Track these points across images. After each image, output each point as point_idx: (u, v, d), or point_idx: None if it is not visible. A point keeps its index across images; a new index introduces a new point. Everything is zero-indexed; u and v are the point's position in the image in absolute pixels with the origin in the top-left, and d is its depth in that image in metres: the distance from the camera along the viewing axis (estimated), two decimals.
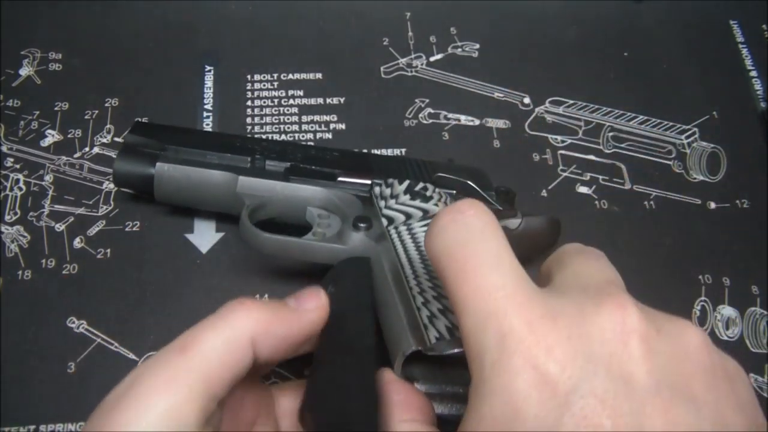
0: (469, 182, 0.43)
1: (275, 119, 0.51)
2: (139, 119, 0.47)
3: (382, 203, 0.42)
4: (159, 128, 0.45)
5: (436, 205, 0.41)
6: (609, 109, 0.54)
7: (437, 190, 0.43)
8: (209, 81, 0.52)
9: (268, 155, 0.44)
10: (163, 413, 0.26)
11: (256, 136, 0.50)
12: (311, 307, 0.33)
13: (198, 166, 0.42)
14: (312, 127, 0.51)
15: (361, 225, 0.40)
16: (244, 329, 0.29)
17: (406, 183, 0.43)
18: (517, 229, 0.43)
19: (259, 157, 0.43)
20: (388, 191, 0.42)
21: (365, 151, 0.49)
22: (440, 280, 0.27)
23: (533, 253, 0.45)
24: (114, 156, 0.49)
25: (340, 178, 0.43)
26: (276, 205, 0.43)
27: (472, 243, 0.27)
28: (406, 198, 0.41)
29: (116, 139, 0.49)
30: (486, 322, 0.24)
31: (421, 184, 0.43)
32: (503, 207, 0.46)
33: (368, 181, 0.43)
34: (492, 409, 0.23)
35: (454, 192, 0.43)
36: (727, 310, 0.47)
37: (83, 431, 0.28)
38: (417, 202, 0.41)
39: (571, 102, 0.54)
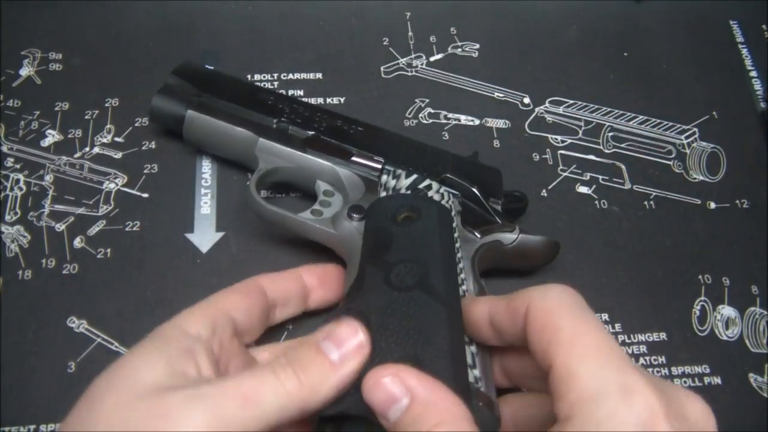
0: (474, 189, 0.43)
1: None
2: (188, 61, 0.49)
3: (383, 194, 0.42)
4: (200, 74, 0.47)
5: None
6: (609, 109, 0.54)
7: (442, 189, 0.43)
8: None
9: (294, 120, 0.45)
10: None
11: (289, 94, 0.51)
12: (352, 352, 0.32)
13: (225, 119, 0.45)
14: None
15: (354, 215, 0.41)
16: (297, 399, 0.31)
17: (413, 178, 0.43)
18: (511, 245, 0.42)
19: (285, 120, 0.45)
20: (392, 183, 0.43)
21: (392, 131, 0.47)
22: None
23: (525, 268, 0.45)
24: (115, 156, 0.49)
25: (353, 158, 0.44)
26: (287, 173, 0.45)
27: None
28: None
29: (116, 139, 0.49)
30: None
31: (426, 181, 0.43)
32: (512, 208, 0.46)
33: (379, 166, 0.44)
34: None
35: (459, 194, 0.43)
36: (727, 310, 0.47)
37: None
38: None
39: (571, 102, 0.54)
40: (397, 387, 0.30)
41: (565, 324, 0.30)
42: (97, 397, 0.30)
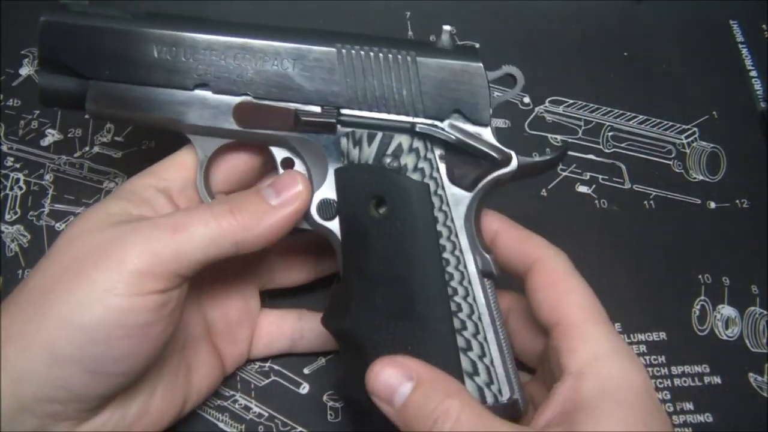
0: (451, 137, 0.36)
1: None
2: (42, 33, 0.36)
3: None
4: (73, 54, 0.36)
5: None
6: (609, 109, 0.54)
7: (416, 144, 0.37)
8: None
9: (214, 83, 0.37)
10: (137, 274, 0.31)
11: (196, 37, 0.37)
12: (290, 199, 0.36)
13: (134, 109, 0.37)
14: None
15: (325, 215, 0.37)
16: (229, 233, 0.34)
17: (377, 142, 0.37)
18: (510, 176, 0.37)
19: (204, 86, 0.37)
20: (356, 153, 0.37)
21: (332, 46, 0.37)
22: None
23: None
24: (114, 155, 0.49)
25: (303, 118, 0.36)
26: (234, 148, 0.39)
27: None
28: None
29: (116, 138, 0.49)
30: None
31: (396, 142, 0.36)
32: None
33: (333, 121, 0.36)
34: None
35: (443, 152, 0.37)
36: (727, 310, 0.47)
37: (57, 247, 0.33)
38: None
39: (571, 101, 0.54)
40: (401, 371, 0.32)
41: (578, 289, 0.34)
42: (64, 231, 0.34)
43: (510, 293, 0.40)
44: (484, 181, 0.36)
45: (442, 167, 0.36)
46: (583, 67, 0.56)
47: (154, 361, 0.34)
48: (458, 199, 0.36)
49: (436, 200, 0.36)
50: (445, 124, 0.37)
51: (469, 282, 0.36)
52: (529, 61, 0.56)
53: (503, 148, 0.37)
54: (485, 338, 0.35)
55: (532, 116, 0.53)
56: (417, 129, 0.36)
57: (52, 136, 0.49)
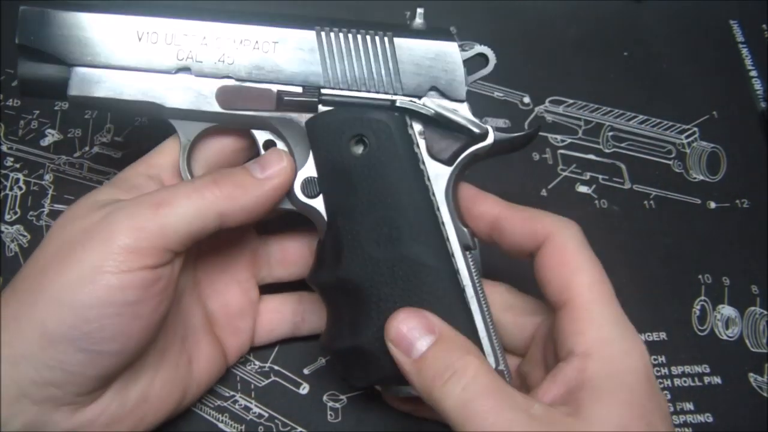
0: (430, 112, 0.37)
1: None
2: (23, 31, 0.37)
3: None
4: (55, 41, 0.37)
5: None
6: (609, 109, 0.54)
7: (396, 116, 0.38)
8: None
9: (196, 66, 0.37)
10: (125, 250, 0.32)
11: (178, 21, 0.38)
12: (275, 173, 0.36)
13: (113, 93, 0.37)
14: None
15: (310, 193, 0.37)
16: (213, 204, 0.34)
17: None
18: (486, 150, 0.38)
19: (186, 70, 0.37)
20: None
21: (313, 29, 0.38)
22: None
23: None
24: (114, 155, 0.49)
25: (286, 98, 0.37)
26: (216, 133, 0.39)
27: None
28: None
29: (116, 138, 0.49)
30: None
31: (377, 116, 0.37)
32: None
33: (315, 100, 0.37)
34: None
35: (422, 129, 0.37)
36: (727, 310, 0.47)
37: (52, 234, 0.34)
38: None
39: (571, 101, 0.54)
40: (424, 324, 0.33)
41: (587, 267, 0.34)
42: (55, 221, 0.35)
43: (492, 283, 0.40)
44: (463, 155, 0.37)
45: (422, 143, 0.37)
46: (583, 67, 0.56)
47: (147, 342, 0.34)
48: (438, 173, 0.37)
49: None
50: (423, 101, 0.38)
51: (452, 254, 0.36)
52: (529, 61, 0.56)
53: (480, 122, 0.38)
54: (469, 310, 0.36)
55: (532, 116, 0.53)
56: (397, 104, 0.37)
57: (52, 136, 0.49)
